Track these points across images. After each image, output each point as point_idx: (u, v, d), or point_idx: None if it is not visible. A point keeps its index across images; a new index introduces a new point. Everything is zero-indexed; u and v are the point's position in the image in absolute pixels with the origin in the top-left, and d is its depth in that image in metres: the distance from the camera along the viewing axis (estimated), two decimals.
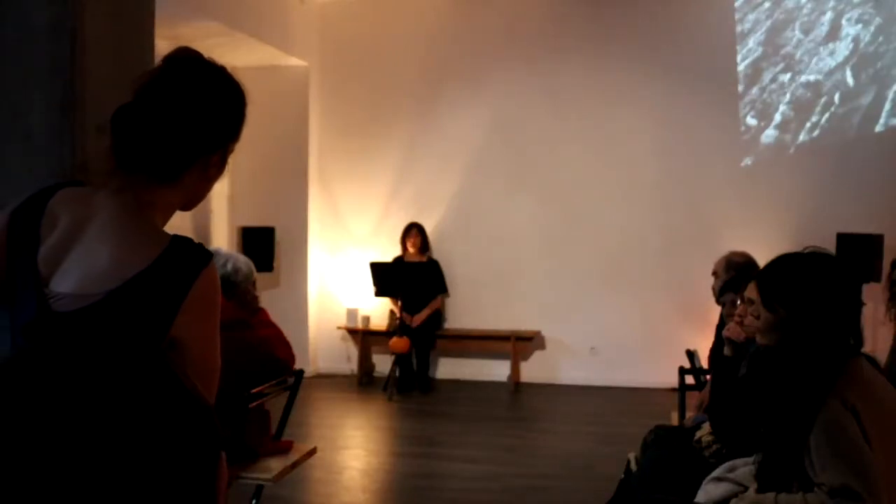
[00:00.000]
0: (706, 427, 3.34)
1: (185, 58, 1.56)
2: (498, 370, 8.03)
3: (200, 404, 1.53)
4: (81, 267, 1.48)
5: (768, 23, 7.80)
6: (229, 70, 1.60)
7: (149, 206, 1.54)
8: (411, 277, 7.79)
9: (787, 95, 7.75)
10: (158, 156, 1.52)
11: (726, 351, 3.42)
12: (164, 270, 1.48)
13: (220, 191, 7.94)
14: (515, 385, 7.91)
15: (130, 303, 1.46)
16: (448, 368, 8.26)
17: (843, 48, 7.64)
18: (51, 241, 1.49)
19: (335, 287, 8.54)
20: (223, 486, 1.54)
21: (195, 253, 1.51)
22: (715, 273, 4.58)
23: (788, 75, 7.75)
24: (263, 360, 3.41)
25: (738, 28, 7.84)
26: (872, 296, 3.38)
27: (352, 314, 8.36)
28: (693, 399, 4.41)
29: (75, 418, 1.33)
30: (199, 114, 1.53)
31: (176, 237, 1.53)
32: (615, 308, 7.84)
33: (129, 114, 1.51)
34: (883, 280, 4.02)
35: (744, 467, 2.61)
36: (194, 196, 1.63)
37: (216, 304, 1.56)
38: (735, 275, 4.12)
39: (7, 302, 1.52)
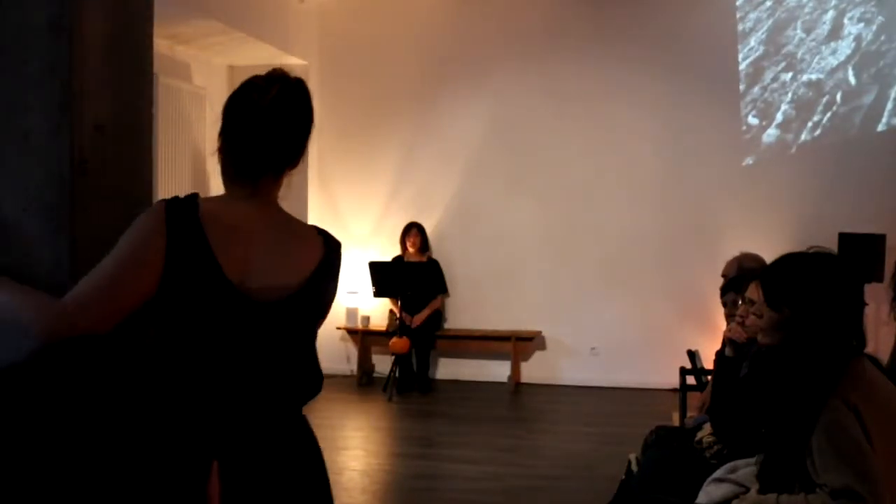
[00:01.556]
0: (707, 427, 3.34)
1: (294, 80, 1.89)
2: (498, 370, 8.02)
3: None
4: (270, 264, 1.75)
5: (770, 21, 7.79)
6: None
7: (276, 202, 1.88)
8: (411, 277, 7.78)
9: (789, 94, 7.74)
10: (285, 159, 1.82)
11: (728, 351, 3.42)
12: (331, 259, 1.86)
13: (220, 191, 7.91)
14: (516, 385, 7.90)
15: (317, 289, 1.82)
16: (448, 369, 8.25)
17: (845, 47, 7.63)
18: (227, 246, 1.70)
19: None
20: (213, 492, 1.62)
21: (336, 240, 1.91)
22: (725, 276, 4.41)
23: (790, 74, 7.74)
24: None
25: (740, 27, 7.83)
26: (874, 296, 3.37)
27: (351, 314, 8.35)
28: (694, 399, 4.41)
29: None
30: (307, 123, 1.86)
31: (316, 228, 1.91)
32: (616, 308, 7.83)
33: (266, 128, 1.76)
34: (886, 280, 4.01)
35: (745, 468, 2.60)
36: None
37: None
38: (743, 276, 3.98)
39: (171, 301, 1.66)
